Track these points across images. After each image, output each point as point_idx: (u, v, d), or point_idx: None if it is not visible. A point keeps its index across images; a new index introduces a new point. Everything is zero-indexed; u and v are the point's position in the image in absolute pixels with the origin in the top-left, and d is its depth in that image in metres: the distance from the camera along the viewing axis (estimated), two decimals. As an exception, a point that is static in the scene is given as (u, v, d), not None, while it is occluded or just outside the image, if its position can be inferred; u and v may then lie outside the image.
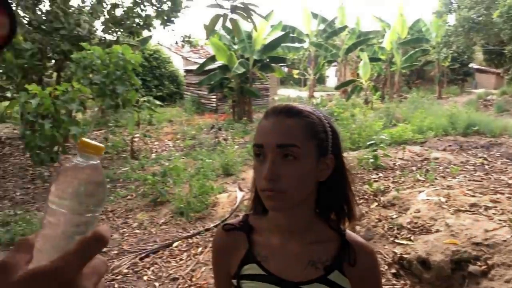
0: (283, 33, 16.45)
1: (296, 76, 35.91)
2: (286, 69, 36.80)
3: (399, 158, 7.05)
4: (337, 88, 22.22)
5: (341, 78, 24.02)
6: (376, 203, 4.67)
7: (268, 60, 15.65)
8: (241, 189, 6.23)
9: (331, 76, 35.81)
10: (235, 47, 15.33)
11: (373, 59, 20.75)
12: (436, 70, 23.77)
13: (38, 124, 5.59)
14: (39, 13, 9.30)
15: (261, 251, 1.03)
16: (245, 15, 2.23)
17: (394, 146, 8.20)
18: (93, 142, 0.48)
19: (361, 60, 18.69)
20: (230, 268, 1.05)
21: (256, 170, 0.98)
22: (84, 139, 0.49)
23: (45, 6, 9.95)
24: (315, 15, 23.23)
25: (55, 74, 11.46)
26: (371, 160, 6.38)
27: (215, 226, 4.90)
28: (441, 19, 22.23)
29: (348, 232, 1.04)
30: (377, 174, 6.04)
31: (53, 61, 10.47)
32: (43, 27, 9.14)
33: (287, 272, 1.00)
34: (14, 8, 9.27)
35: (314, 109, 1.03)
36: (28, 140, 5.49)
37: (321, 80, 37.27)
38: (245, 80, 15.46)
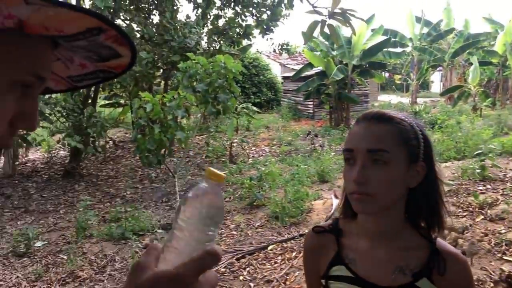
0: (384, 37, 15.99)
1: (397, 82, 34.64)
2: (387, 74, 35.67)
3: (511, 169, 6.50)
4: (442, 94, 20.99)
5: (446, 84, 22.66)
6: (482, 216, 4.37)
7: (367, 65, 15.30)
8: (336, 197, 6.19)
9: (436, 81, 33.93)
10: (334, 53, 15.22)
11: (483, 63, 19.28)
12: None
13: (148, 128, 6.06)
14: (150, 27, 10.08)
15: (349, 254, 1.07)
16: (343, 20, 2.25)
17: (505, 156, 7.58)
18: (218, 171, 0.56)
19: (469, 64, 17.46)
20: (320, 268, 1.10)
21: (345, 174, 1.02)
22: (210, 168, 0.58)
23: (155, 20, 10.77)
24: (418, 19, 22.26)
25: (162, 83, 12.32)
26: (478, 171, 5.97)
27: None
28: None
29: (439, 240, 1.04)
30: (484, 186, 5.64)
31: (162, 70, 11.25)
32: (154, 39, 9.89)
33: (374, 276, 1.02)
34: (128, 23, 10.16)
35: (407, 116, 1.06)
36: (139, 143, 5.98)
37: (424, 85, 35.53)
38: (343, 86, 15.27)
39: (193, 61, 6.59)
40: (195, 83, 7.24)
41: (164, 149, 6.56)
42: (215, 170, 0.56)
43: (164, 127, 6.06)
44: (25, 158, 10.73)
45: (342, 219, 1.15)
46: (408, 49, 23.45)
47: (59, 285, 4.12)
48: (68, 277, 4.28)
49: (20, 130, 0.60)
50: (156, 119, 6.40)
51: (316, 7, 2.39)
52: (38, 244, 5.20)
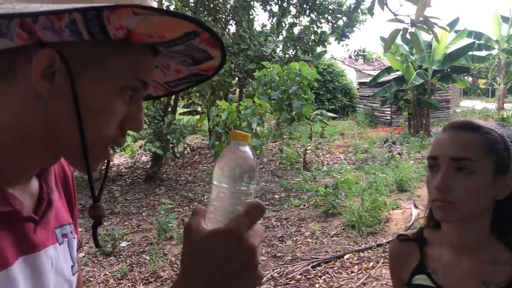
0: (468, 41, 15.16)
1: (482, 86, 32.69)
2: (470, 79, 33.76)
3: None
4: (533, 98, 19.49)
5: (538, 87, 21.01)
6: None
7: (449, 70, 14.58)
8: (416, 206, 5.95)
9: (526, 85, 31.54)
10: (413, 57, 14.69)
11: None
12: None
13: (225, 135, 6.22)
14: (227, 36, 10.38)
15: (432, 264, 1.06)
16: (426, 28, 2.18)
17: None
18: (243, 132, 0.60)
19: None
20: (403, 275, 1.11)
21: (429, 181, 1.01)
22: (235, 130, 0.62)
23: (231, 29, 11.08)
24: (505, 19, 20.86)
25: (238, 91, 12.61)
26: None
27: (388, 242, 4.79)
28: None
29: None
30: None
31: (237, 78, 11.53)
32: (231, 49, 10.18)
33: (457, 287, 1.01)
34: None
35: (498, 127, 1.03)
36: (217, 149, 6.16)
37: (512, 90, 33.19)
38: (423, 91, 14.67)
39: (268, 69, 6.68)
40: (269, 91, 7.33)
41: (240, 156, 6.73)
42: (240, 132, 0.60)
43: (240, 134, 6.23)
44: (111, 163, 11.45)
45: (427, 229, 1.14)
46: (494, 52, 22.05)
47: (142, 284, 4.34)
48: (151, 276, 4.49)
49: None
50: (232, 126, 6.57)
51: (397, 15, 2.34)
52: (123, 244, 5.52)
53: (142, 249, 5.36)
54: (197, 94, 12.19)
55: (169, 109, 10.15)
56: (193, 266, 0.56)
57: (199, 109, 13.30)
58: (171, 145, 9.75)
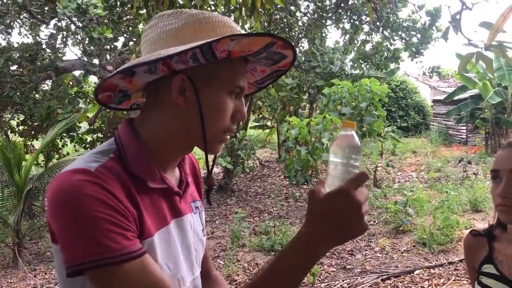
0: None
1: None
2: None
3: None
4: None
5: None
6: None
7: (531, 87, 13.84)
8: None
9: None
10: (490, 75, 14.10)
11: None
12: None
13: (296, 150, 6.43)
14: (299, 54, 10.66)
15: (498, 256, 1.26)
16: (500, 51, 2.28)
17: None
18: (350, 121, 0.83)
19: None
20: (474, 264, 1.32)
21: (493, 191, 1.22)
22: (346, 120, 0.88)
23: (304, 47, 11.34)
24: None
25: (307, 106, 12.81)
26: None
27: (460, 261, 4.74)
28: None
29: None
30: None
31: (307, 94, 11.74)
32: (302, 65, 10.44)
33: None
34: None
35: None
36: (287, 163, 6.38)
37: None
38: (502, 110, 14.01)
39: (338, 86, 6.84)
40: (340, 107, 7.45)
41: (310, 170, 6.89)
42: (349, 121, 0.83)
43: (311, 148, 6.39)
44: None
45: (496, 228, 1.33)
46: None
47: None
48: (226, 279, 4.78)
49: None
50: (303, 141, 6.78)
51: (471, 40, 2.45)
52: (199, 249, 5.87)
53: (216, 254, 5.68)
54: (268, 109, 12.52)
55: (241, 124, 10.55)
56: (316, 215, 0.80)
57: (269, 123, 13.64)
58: (241, 160, 10.13)
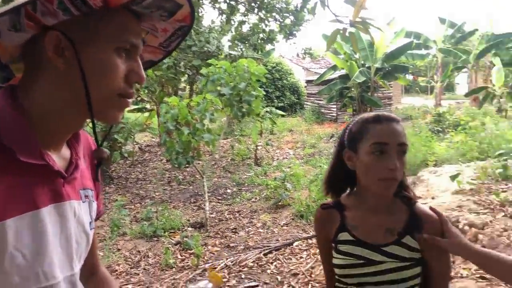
0: (407, 40, 15.97)
1: (422, 84, 34.30)
2: (411, 77, 35.31)
3: (535, 169, 6.50)
4: (466, 95, 20.75)
5: (472, 85, 22.37)
6: (502, 213, 4.44)
7: (390, 68, 15.31)
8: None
9: (462, 83, 33.46)
10: (357, 56, 15.28)
11: (509, 64, 18.97)
12: None
13: (177, 132, 6.28)
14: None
15: (351, 223, 1.34)
16: (363, 28, 2.42)
17: (531, 156, 7.54)
18: (218, 277, 0.80)
19: (495, 65, 17.25)
20: (329, 236, 1.37)
21: (374, 163, 1.25)
22: (214, 272, 0.82)
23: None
24: (443, 20, 22.07)
25: (188, 87, 12.62)
26: (500, 170, 6.00)
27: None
28: None
29: (417, 205, 1.33)
30: (506, 185, 5.68)
31: (187, 75, 11.55)
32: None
33: (370, 237, 1.30)
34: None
35: None
36: (168, 146, 6.21)
37: (450, 87, 35.12)
38: (366, 89, 15.32)
39: (216, 66, 6.80)
40: (219, 87, 7.44)
41: (192, 151, 6.80)
42: (217, 275, 0.79)
43: (193, 130, 6.30)
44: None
45: (343, 197, 1.42)
46: (433, 51, 23.26)
47: (97, 278, 4.38)
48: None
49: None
50: (183, 123, 6.64)
51: (338, 16, 2.58)
52: (75, 241, 5.49)
53: (95, 245, 5.36)
54: (146, 91, 12.07)
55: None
56: None
57: (148, 106, 13.17)
58: (118, 144, 9.66)
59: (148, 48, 0.96)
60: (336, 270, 1.34)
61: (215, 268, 4.19)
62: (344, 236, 1.33)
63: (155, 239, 5.43)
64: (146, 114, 13.09)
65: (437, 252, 1.26)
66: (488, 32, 20.54)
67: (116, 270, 4.54)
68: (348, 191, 1.43)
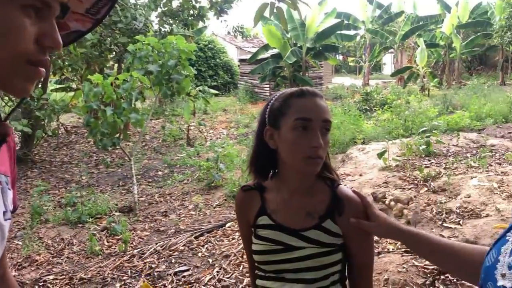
0: (337, 20, 16.26)
1: (351, 64, 35.37)
2: (341, 57, 36.26)
3: (453, 145, 6.90)
4: (392, 75, 21.67)
5: (397, 65, 23.39)
6: (425, 188, 4.65)
7: (321, 48, 15.55)
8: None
9: (388, 63, 34.90)
10: (288, 35, 15.35)
11: (431, 45, 19.99)
12: (499, 56, 22.47)
13: (100, 111, 5.96)
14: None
15: (271, 206, 1.26)
16: (291, 3, 2.34)
17: (450, 133, 8.00)
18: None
19: (419, 46, 18.11)
20: (249, 219, 1.29)
21: (297, 140, 1.14)
22: (146, 283, 0.68)
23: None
24: (371, 1, 22.71)
25: (115, 65, 12.05)
26: (423, 147, 6.29)
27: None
28: (504, 0, 20.85)
29: (340, 187, 1.24)
30: (429, 161, 5.97)
31: (114, 53, 11.00)
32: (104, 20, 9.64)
33: (290, 221, 1.22)
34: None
35: None
36: (92, 126, 5.87)
37: (377, 67, 36.49)
38: (298, 68, 15.48)
39: (144, 43, 6.50)
40: (147, 65, 7.14)
41: (118, 132, 6.49)
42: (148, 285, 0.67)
43: (118, 109, 5.99)
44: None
45: (268, 180, 1.32)
46: (361, 32, 23.95)
47: (15, 270, 4.07)
48: (24, 261, 4.22)
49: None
50: (109, 102, 6.31)
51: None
52: (-11, 232, 5.07)
53: (13, 235, 4.98)
54: (70, 69, 11.37)
55: (39, 85, 9.37)
56: None
57: (74, 85, 12.45)
58: (41, 123, 9.07)
59: (74, 16, 0.82)
60: (255, 257, 1.26)
61: (149, 281, 4.04)
62: (264, 220, 1.25)
63: (80, 225, 5.14)
64: (71, 93, 12.37)
65: (360, 238, 1.20)
66: (412, 14, 21.45)
67: (37, 260, 4.24)
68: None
